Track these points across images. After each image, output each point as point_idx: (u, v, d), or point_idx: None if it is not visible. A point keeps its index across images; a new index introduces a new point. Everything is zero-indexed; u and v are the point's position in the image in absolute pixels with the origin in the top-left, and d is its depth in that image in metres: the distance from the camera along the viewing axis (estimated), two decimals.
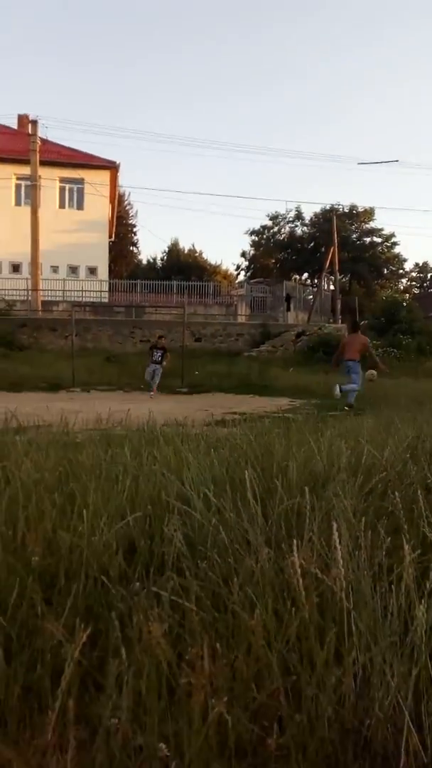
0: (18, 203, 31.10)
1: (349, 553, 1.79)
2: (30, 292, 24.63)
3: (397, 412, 6.50)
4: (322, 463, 3.22)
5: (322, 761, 1.20)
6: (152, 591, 1.63)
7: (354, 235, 45.14)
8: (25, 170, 26.02)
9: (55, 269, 29.64)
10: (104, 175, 32.05)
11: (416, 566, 1.69)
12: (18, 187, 31.04)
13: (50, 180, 29.33)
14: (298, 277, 45.63)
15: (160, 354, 15.53)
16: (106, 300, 28.52)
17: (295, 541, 1.55)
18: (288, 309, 28.18)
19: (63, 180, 31.57)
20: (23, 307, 24.43)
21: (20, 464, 2.95)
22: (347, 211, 44.97)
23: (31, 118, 25.95)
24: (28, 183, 25.95)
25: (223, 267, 51.91)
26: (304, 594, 1.40)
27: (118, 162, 32.40)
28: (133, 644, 1.36)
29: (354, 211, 45.43)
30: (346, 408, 10.72)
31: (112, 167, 32.34)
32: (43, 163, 25.52)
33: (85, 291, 27.40)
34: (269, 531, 2.22)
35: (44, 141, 26.46)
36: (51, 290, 27.01)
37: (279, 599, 1.63)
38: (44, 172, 26.05)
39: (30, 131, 25.09)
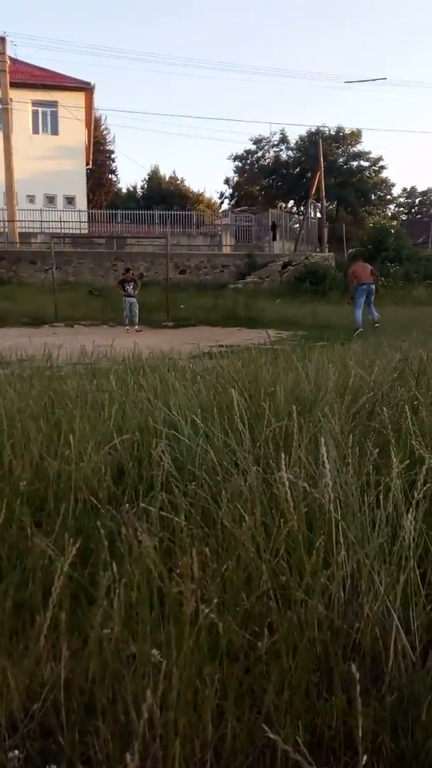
0: None
1: (336, 469, 1.80)
2: (6, 224, 23.78)
3: (384, 339, 6.48)
4: (310, 386, 3.21)
5: (312, 661, 1.23)
6: (142, 508, 1.63)
7: (341, 159, 43.72)
8: None
9: (31, 199, 28.52)
10: (79, 98, 30.38)
11: (404, 479, 1.70)
12: None
13: (22, 103, 27.73)
14: (283, 204, 44.47)
15: (131, 286, 15.27)
16: (86, 231, 27.68)
17: (283, 455, 1.54)
18: (274, 238, 27.58)
19: (35, 103, 29.89)
20: (0, 239, 23.67)
21: (3, 393, 2.91)
22: (333, 133, 43.34)
23: None
24: None
25: (207, 195, 50.35)
26: (293, 504, 1.40)
27: (93, 83, 30.65)
28: (123, 559, 1.37)
29: (341, 134, 43.80)
30: (376, 325, 12.19)
31: (87, 89, 30.59)
32: (13, 85, 24.05)
33: (64, 222, 26.50)
34: (257, 452, 2.23)
35: (13, 60, 24.83)
36: (28, 221, 26.09)
37: (268, 513, 1.64)
38: (15, 95, 24.61)
39: None
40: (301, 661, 1.19)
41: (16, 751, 1.00)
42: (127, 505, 1.86)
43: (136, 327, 14.67)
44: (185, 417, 2.61)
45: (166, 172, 48.99)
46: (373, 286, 13.37)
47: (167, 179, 48.39)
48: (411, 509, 1.53)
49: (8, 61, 23.18)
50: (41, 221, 26.47)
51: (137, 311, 15.17)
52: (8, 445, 2.29)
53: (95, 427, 2.61)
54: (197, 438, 2.36)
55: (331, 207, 40.58)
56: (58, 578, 1.19)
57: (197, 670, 1.14)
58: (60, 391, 3.16)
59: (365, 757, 0.88)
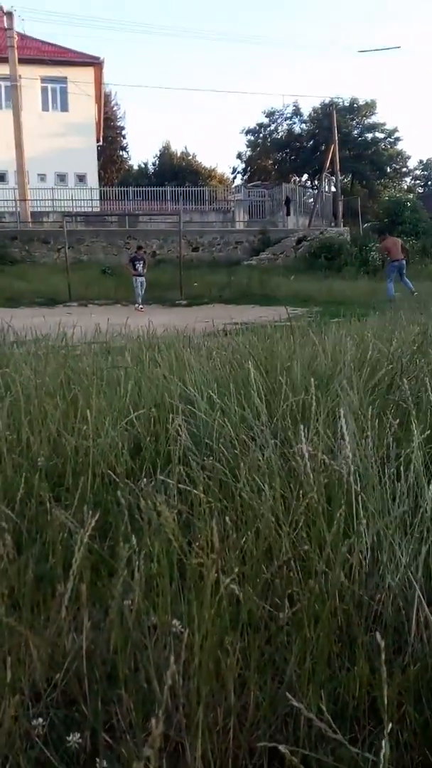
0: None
1: (356, 442, 1.78)
2: (18, 203, 23.70)
3: (402, 313, 6.39)
4: (327, 361, 3.17)
5: (333, 632, 1.22)
6: (160, 481, 1.62)
7: (355, 131, 42.76)
8: (4, 70, 24.25)
9: (42, 177, 28.32)
10: (88, 73, 29.94)
11: (425, 451, 1.67)
12: None
13: (31, 80, 27.41)
14: (297, 178, 43.72)
15: (141, 264, 15.20)
16: (98, 209, 27.51)
17: (302, 427, 1.52)
18: (288, 213, 27.20)
19: (44, 79, 29.50)
20: (12, 219, 23.60)
21: (20, 371, 2.91)
22: (347, 105, 42.34)
23: (5, 9, 23.84)
24: (8, 84, 24.28)
25: (219, 171, 49.73)
26: (312, 476, 1.38)
27: (102, 57, 30.18)
28: (143, 531, 1.36)
29: (354, 105, 42.78)
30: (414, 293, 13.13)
31: (96, 63, 30.14)
32: (22, 61, 23.76)
33: (76, 200, 26.35)
34: (275, 426, 2.21)
35: (22, 36, 24.51)
36: (40, 200, 25.96)
37: (286, 486, 1.63)
38: (24, 71, 24.30)
39: (5, 25, 23.14)
40: (323, 631, 1.19)
41: (40, 719, 1.01)
42: (144, 479, 1.86)
43: (141, 307, 14.61)
44: (201, 392, 2.60)
45: (177, 148, 48.45)
46: (404, 261, 14.31)
47: (179, 155, 47.82)
48: None
49: (16, 37, 22.89)
50: (53, 200, 26.33)
51: (144, 290, 15.13)
52: (26, 421, 2.30)
53: (111, 403, 2.61)
54: (213, 413, 2.35)
55: (345, 180, 39.90)
56: (79, 550, 1.19)
57: (219, 639, 1.14)
58: (76, 369, 3.16)
59: (389, 726, 0.87)
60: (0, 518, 1.35)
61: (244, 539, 1.32)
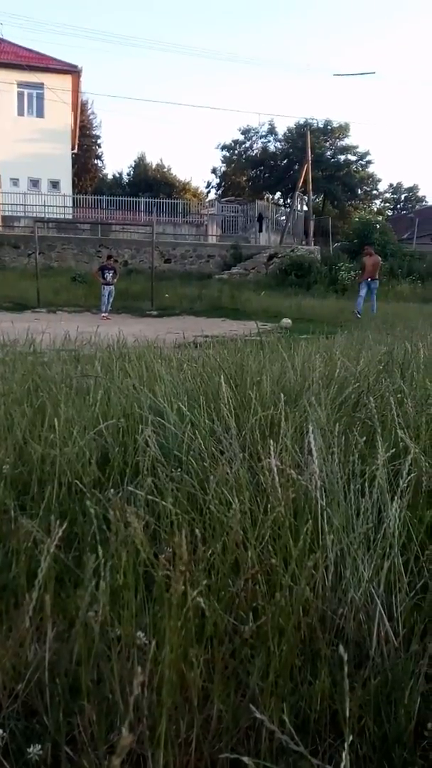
0: None
1: (322, 458, 1.81)
2: None
3: (370, 333, 6.52)
4: (296, 377, 3.22)
5: (296, 645, 1.24)
6: (128, 491, 1.62)
7: (328, 153, 43.68)
8: None
9: (15, 182, 28.04)
10: (65, 80, 29.87)
11: (389, 469, 1.71)
12: None
13: (7, 84, 27.22)
14: (270, 196, 44.37)
15: (111, 274, 15.18)
16: (70, 216, 27.35)
17: (271, 442, 1.54)
18: (260, 230, 27.54)
19: (21, 84, 29.30)
20: None
21: None
22: (321, 126, 43.26)
23: None
24: None
25: (193, 184, 50.06)
26: (280, 490, 1.40)
27: (80, 66, 30.16)
28: (108, 543, 1.36)
29: (329, 127, 43.74)
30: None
31: (74, 72, 30.09)
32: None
33: (48, 206, 26.15)
34: (243, 440, 2.23)
35: (0, 40, 24.34)
36: (11, 204, 25.68)
37: (254, 501, 1.64)
38: (0, 75, 24.13)
39: None
40: (286, 644, 1.20)
41: (0, 731, 1.00)
42: (112, 489, 1.85)
43: (106, 315, 14.54)
44: (171, 404, 2.60)
45: (152, 160, 48.67)
46: (377, 282, 15.30)
47: (154, 167, 48.00)
48: (396, 498, 1.54)
49: None
50: (25, 205, 26.07)
51: (111, 299, 15.09)
52: None
53: (80, 411, 2.59)
54: (183, 425, 2.36)
55: (317, 200, 40.68)
56: (45, 559, 1.18)
57: (183, 652, 1.14)
58: (44, 376, 3.13)
59: (350, 738, 0.89)
60: None
61: (210, 552, 1.33)
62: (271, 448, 1.51)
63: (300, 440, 2.19)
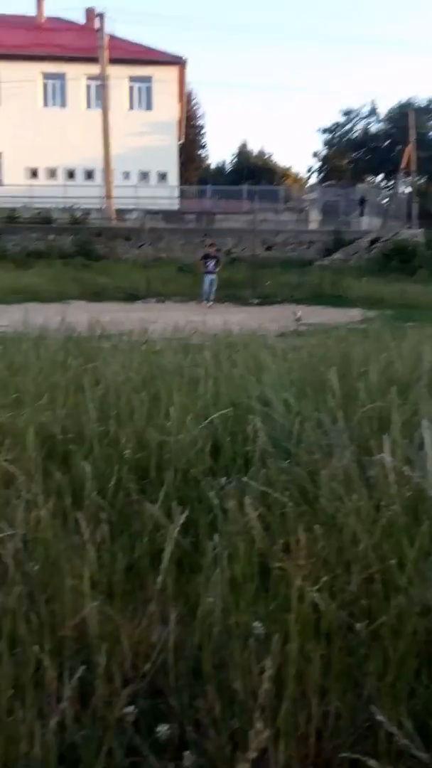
0: (89, 105, 30.27)
1: None
2: (104, 200, 24.42)
3: None
4: (404, 367, 3.11)
5: (413, 648, 1.21)
6: (241, 482, 1.65)
7: None
8: (95, 69, 25.06)
9: (126, 175, 29.05)
10: (172, 72, 30.44)
11: None
12: (88, 88, 30.07)
13: (119, 79, 28.14)
14: (372, 178, 42.74)
15: (213, 262, 15.28)
16: (177, 207, 27.94)
17: (385, 437, 1.51)
18: (362, 214, 26.63)
19: (132, 79, 30.25)
20: (98, 216, 24.35)
21: (108, 365, 3.03)
22: (425, 105, 40.92)
23: (97, 11, 24.63)
24: (98, 83, 25.06)
25: (294, 170, 49.33)
26: (395, 488, 1.37)
27: (185, 57, 30.59)
28: (225, 531, 1.40)
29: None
30: None
31: (180, 63, 30.59)
32: (112, 61, 24.47)
33: (156, 198, 26.86)
34: (352, 433, 2.19)
35: (112, 37, 25.21)
36: (123, 198, 26.65)
37: (366, 497, 1.61)
38: (113, 71, 25.03)
39: (97, 26, 23.88)
40: (404, 646, 1.18)
41: (132, 707, 1.06)
42: (224, 478, 1.90)
43: (209, 303, 14.71)
44: (278, 394, 2.61)
45: (254, 147, 48.44)
46: None
47: (255, 154, 47.77)
48: None
49: (107, 38, 23.56)
50: (136, 197, 26.94)
51: (214, 288, 15.23)
52: (113, 415, 2.39)
53: (192, 400, 2.66)
54: (291, 416, 2.36)
55: (421, 182, 38.60)
56: (168, 544, 1.24)
57: (301, 645, 1.15)
58: (158, 365, 3.25)
59: None
60: (98, 509, 1.42)
61: (321, 546, 1.33)
62: (385, 444, 1.48)
63: (409, 434, 2.11)
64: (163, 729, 1.03)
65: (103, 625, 1.17)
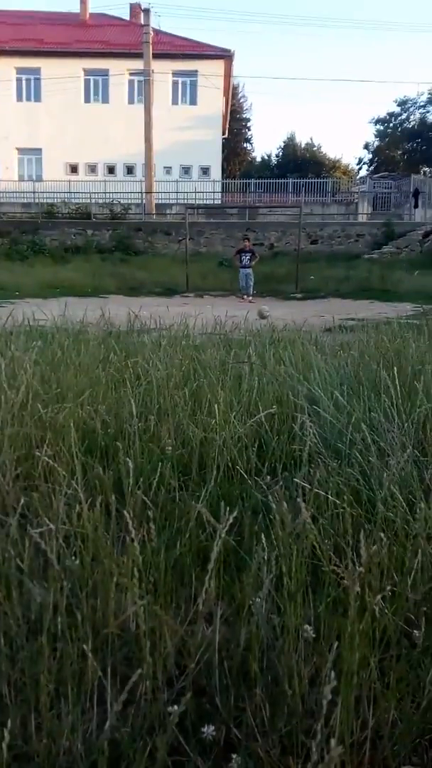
0: (131, 101, 30.51)
1: None
2: (144, 195, 24.61)
3: None
4: None
5: None
6: (290, 482, 1.61)
7: None
8: (138, 65, 25.22)
9: (167, 170, 29.18)
10: (218, 66, 30.32)
11: None
12: (131, 83, 30.30)
13: (163, 74, 28.24)
14: (427, 169, 41.60)
15: (248, 257, 15.19)
16: (219, 201, 27.90)
17: None
18: (416, 206, 25.92)
19: (176, 73, 30.29)
20: (138, 211, 24.56)
21: (149, 361, 3.03)
22: None
23: (143, 6, 24.73)
24: (141, 78, 25.22)
25: (344, 162, 48.48)
26: None
27: (232, 50, 30.40)
28: (274, 529, 1.36)
29: None
30: None
31: (226, 56, 30.43)
32: (156, 56, 24.55)
33: (198, 192, 26.89)
34: (408, 434, 2.12)
35: (156, 31, 25.29)
36: (164, 192, 26.79)
37: (427, 503, 1.55)
38: (157, 66, 25.09)
39: (143, 21, 24.01)
40: None
41: (176, 706, 1.04)
42: (269, 477, 1.86)
43: (249, 298, 14.65)
44: (327, 392, 2.55)
45: (302, 139, 47.87)
46: None
47: (303, 146, 47.21)
48: None
49: (151, 33, 23.64)
50: (177, 192, 27.05)
51: (252, 282, 15.15)
52: (154, 411, 2.38)
53: (236, 398, 2.63)
54: (341, 415, 2.29)
55: None
56: (216, 544, 1.21)
57: (352, 651, 1.11)
58: (200, 361, 3.22)
59: None
60: (144, 505, 1.41)
61: (379, 553, 1.28)
62: None
63: None
64: (208, 730, 1.01)
65: (148, 622, 1.16)
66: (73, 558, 1.39)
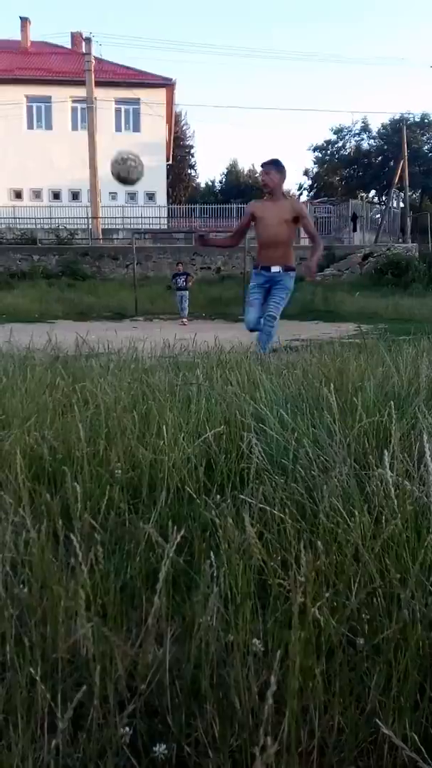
0: (75, 128, 30.62)
1: None
2: (90, 221, 24.61)
3: None
4: (401, 382, 3.12)
5: (417, 662, 1.20)
6: (238, 500, 1.64)
7: (426, 147, 42.10)
8: (81, 92, 25.40)
9: (113, 196, 29.29)
10: (160, 94, 30.88)
11: None
12: (74, 110, 30.44)
13: (106, 101, 28.50)
14: (364, 194, 43.35)
15: (183, 278, 15.50)
16: (165, 226, 28.17)
17: (386, 452, 1.51)
18: (354, 229, 26.97)
19: (118, 101, 30.67)
20: (84, 236, 24.51)
21: (98, 385, 3.02)
22: (418, 120, 41.76)
23: (84, 35, 25.00)
24: (84, 106, 25.38)
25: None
26: (397, 503, 1.37)
27: (174, 79, 31.06)
28: (221, 547, 1.39)
29: (426, 120, 42.16)
30: None
31: (168, 85, 31.07)
32: (98, 84, 24.80)
33: (144, 218, 27.11)
34: (349, 448, 2.19)
35: (99, 60, 25.57)
36: (110, 218, 26.87)
37: (364, 513, 1.61)
38: (99, 94, 25.34)
39: (84, 50, 24.26)
40: (409, 660, 1.17)
41: (127, 728, 1.04)
42: (218, 496, 1.89)
43: (184, 319, 14.92)
44: (274, 411, 2.60)
45: (244, 166, 49.10)
46: None
47: (245, 172, 48.40)
48: None
49: (93, 61, 23.90)
50: (123, 217, 27.18)
51: (186, 305, 15.43)
52: (103, 434, 2.38)
53: (184, 419, 2.65)
54: (286, 432, 2.35)
55: (414, 196, 39.21)
56: (165, 564, 1.22)
57: (301, 661, 1.14)
58: (148, 384, 3.24)
59: None
60: (91, 529, 1.41)
61: (319, 562, 1.32)
62: (386, 458, 1.48)
63: (408, 449, 2.12)
64: (160, 749, 1.01)
65: (98, 645, 1.15)
66: (21, 586, 1.37)
